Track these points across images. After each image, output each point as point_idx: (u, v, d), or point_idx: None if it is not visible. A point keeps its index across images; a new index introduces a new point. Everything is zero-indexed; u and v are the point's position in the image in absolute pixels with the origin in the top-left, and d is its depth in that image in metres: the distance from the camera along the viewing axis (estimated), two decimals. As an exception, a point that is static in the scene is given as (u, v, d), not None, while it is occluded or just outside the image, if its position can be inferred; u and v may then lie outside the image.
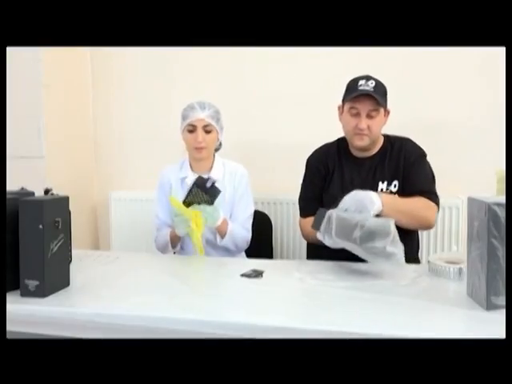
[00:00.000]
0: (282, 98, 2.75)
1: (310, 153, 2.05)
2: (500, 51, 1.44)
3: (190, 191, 1.85)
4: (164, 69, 2.94)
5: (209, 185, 1.84)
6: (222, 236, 1.98)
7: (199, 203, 1.85)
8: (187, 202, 1.86)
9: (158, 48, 2.61)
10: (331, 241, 1.56)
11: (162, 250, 2.09)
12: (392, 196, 1.81)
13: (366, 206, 1.59)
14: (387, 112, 1.89)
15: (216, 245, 2.01)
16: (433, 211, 1.81)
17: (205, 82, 2.82)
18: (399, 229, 1.75)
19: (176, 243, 2.04)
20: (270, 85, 2.78)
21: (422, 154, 1.91)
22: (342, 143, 1.99)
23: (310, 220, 1.70)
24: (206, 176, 1.95)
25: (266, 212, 2.50)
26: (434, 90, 2.57)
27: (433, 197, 1.82)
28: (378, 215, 1.63)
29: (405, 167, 1.88)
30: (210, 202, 1.86)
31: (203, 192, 1.84)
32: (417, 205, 1.78)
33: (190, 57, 2.83)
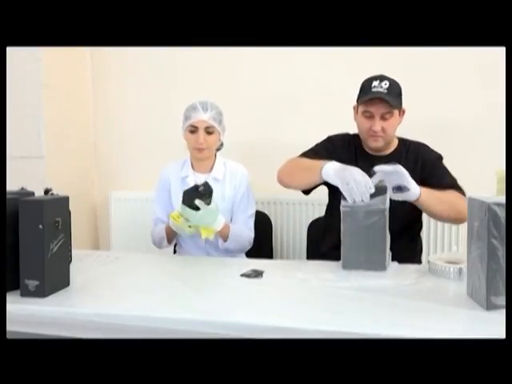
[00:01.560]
0: (283, 98, 2.75)
1: None
2: (500, 51, 1.45)
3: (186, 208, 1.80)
4: (164, 69, 2.94)
5: (200, 189, 1.78)
6: (225, 239, 1.98)
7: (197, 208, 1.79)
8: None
9: (158, 48, 2.61)
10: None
11: (158, 244, 2.11)
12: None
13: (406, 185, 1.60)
14: (402, 111, 1.88)
15: (217, 245, 2.01)
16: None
17: (205, 82, 2.81)
18: (403, 232, 1.74)
19: (172, 238, 2.07)
20: (270, 84, 2.78)
21: (439, 157, 1.90)
22: (358, 140, 1.96)
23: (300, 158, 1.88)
24: (198, 182, 1.90)
25: (266, 212, 2.49)
26: (434, 90, 2.57)
27: (463, 191, 1.80)
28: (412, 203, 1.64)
29: (424, 171, 1.85)
30: (208, 203, 1.81)
31: (199, 197, 1.78)
32: (454, 196, 1.75)
33: (190, 57, 2.83)
